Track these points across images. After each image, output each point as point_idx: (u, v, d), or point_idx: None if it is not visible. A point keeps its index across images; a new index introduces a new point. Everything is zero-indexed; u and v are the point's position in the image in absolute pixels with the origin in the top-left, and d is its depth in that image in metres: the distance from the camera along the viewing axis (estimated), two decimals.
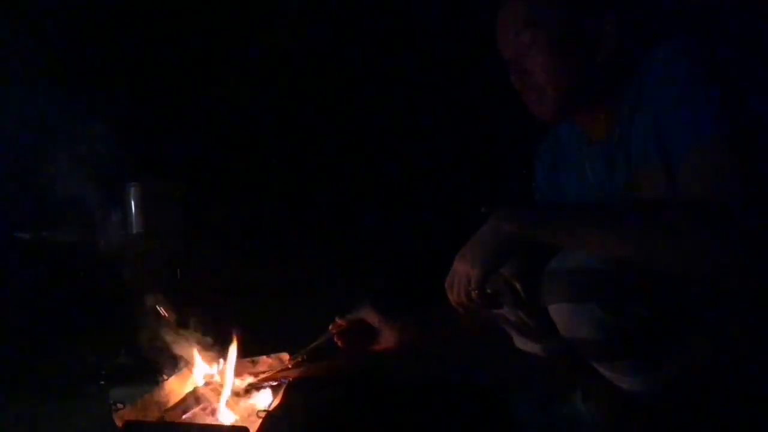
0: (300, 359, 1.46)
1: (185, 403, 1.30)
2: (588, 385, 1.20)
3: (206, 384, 1.40)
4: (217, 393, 1.36)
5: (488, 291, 1.01)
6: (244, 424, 1.18)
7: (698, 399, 0.94)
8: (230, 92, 2.68)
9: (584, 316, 0.91)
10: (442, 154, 2.66)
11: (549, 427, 1.23)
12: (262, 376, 1.45)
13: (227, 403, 1.35)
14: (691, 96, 0.90)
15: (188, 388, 1.39)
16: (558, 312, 0.95)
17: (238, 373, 1.46)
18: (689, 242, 0.82)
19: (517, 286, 1.10)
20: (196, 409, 1.31)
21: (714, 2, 1.33)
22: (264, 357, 1.55)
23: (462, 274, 0.99)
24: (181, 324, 1.55)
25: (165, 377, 1.40)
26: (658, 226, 0.85)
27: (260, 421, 1.17)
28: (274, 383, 1.43)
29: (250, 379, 1.44)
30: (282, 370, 1.50)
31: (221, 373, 1.44)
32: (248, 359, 1.53)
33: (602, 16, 1.02)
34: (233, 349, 1.46)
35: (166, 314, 1.58)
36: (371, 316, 1.43)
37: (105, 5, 2.42)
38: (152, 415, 1.24)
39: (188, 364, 1.47)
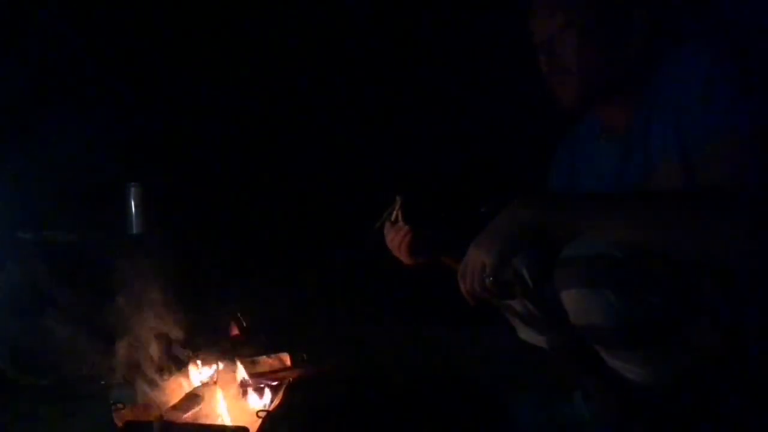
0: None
1: (185, 403, 1.30)
2: (589, 384, 1.20)
3: (206, 384, 1.40)
4: (217, 393, 1.36)
5: (501, 280, 1.00)
6: (244, 424, 1.19)
7: (708, 392, 0.94)
8: (229, 90, 2.68)
9: (597, 303, 0.91)
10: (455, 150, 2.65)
11: (549, 427, 1.23)
12: (261, 374, 1.45)
13: (227, 404, 1.35)
14: (713, 90, 0.91)
15: (188, 388, 1.39)
16: (571, 298, 0.95)
17: (238, 372, 1.46)
18: (709, 230, 0.83)
19: (525, 274, 1.10)
20: (196, 409, 1.31)
21: (739, 3, 1.33)
22: (264, 357, 1.55)
23: (476, 262, 0.99)
24: (182, 324, 1.55)
25: (165, 377, 1.40)
26: (679, 212, 0.86)
27: (260, 421, 1.17)
28: (274, 383, 1.43)
29: (250, 379, 1.44)
30: (283, 369, 1.51)
31: (221, 373, 1.44)
32: (248, 359, 1.53)
33: (635, 7, 1.04)
34: (234, 349, 1.46)
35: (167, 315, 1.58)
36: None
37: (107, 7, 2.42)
38: (152, 415, 1.24)
39: (188, 364, 1.47)
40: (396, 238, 1.26)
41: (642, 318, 0.89)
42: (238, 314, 1.51)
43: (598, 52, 1.05)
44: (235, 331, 1.53)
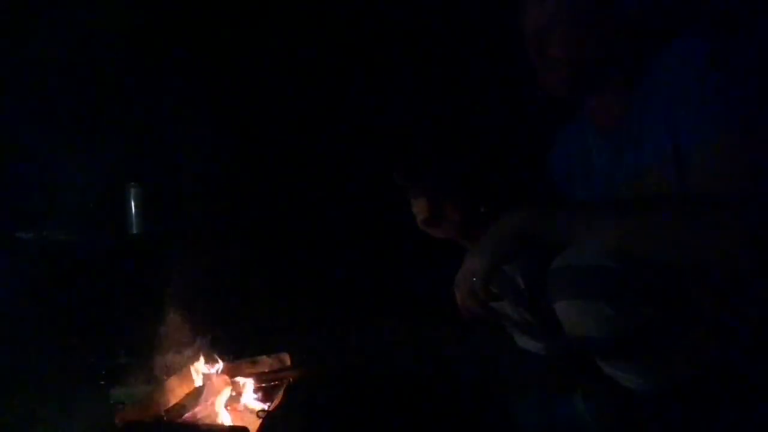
0: None
1: (185, 403, 1.30)
2: (588, 385, 1.19)
3: (206, 384, 1.40)
4: (217, 393, 1.36)
5: (493, 289, 1.00)
6: (244, 424, 1.19)
7: (704, 399, 0.93)
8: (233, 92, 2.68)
9: (591, 315, 0.90)
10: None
11: (549, 427, 1.23)
12: (261, 374, 1.45)
13: (227, 404, 1.35)
14: (707, 90, 0.90)
15: (188, 388, 1.39)
16: (564, 309, 0.94)
17: (238, 373, 1.46)
18: (703, 236, 0.82)
19: (520, 283, 1.09)
20: (196, 409, 1.31)
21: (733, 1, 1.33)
22: (264, 357, 1.55)
23: (469, 268, 0.99)
24: (182, 324, 1.55)
25: (165, 377, 1.40)
26: (673, 220, 0.85)
27: (260, 421, 1.17)
28: (274, 383, 1.43)
29: (250, 379, 1.44)
30: (283, 369, 1.51)
31: (221, 373, 1.44)
32: (248, 359, 1.53)
33: None
34: (233, 350, 1.46)
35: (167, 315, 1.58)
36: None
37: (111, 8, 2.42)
38: (152, 415, 1.24)
39: (188, 364, 1.47)
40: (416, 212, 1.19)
41: (637, 329, 0.89)
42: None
43: (589, 36, 1.05)
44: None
